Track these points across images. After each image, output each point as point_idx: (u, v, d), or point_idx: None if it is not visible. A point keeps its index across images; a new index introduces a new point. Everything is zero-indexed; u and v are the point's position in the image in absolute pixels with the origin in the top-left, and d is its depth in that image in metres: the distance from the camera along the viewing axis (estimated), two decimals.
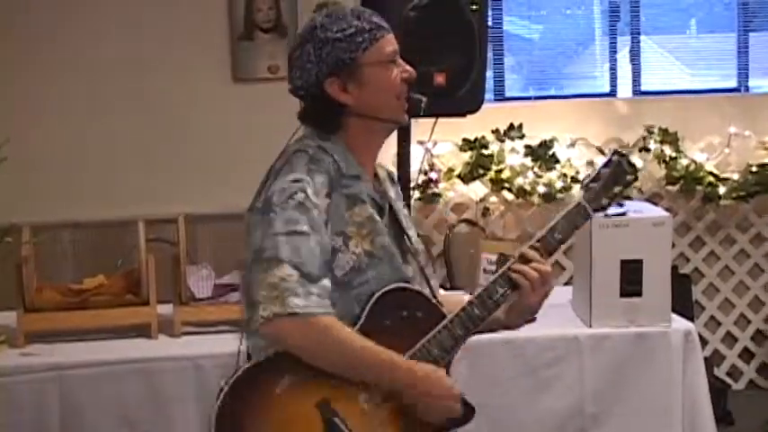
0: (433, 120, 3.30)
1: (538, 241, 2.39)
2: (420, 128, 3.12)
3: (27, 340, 3.36)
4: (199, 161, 5.29)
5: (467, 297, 2.38)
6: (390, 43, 2.33)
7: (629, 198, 2.52)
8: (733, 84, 6.04)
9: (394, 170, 2.64)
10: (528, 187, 5.47)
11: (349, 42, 2.28)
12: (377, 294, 2.28)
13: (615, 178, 2.45)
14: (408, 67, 2.35)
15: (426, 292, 2.38)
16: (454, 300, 2.45)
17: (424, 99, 2.38)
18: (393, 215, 2.42)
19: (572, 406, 3.35)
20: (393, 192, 2.49)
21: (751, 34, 6.01)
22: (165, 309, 3.47)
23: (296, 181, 2.23)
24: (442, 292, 2.58)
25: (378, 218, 2.33)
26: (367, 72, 2.30)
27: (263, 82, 5.28)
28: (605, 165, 2.46)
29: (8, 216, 3.51)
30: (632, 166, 2.47)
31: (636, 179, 2.48)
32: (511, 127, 5.53)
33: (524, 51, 6.17)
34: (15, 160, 3.64)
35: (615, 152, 2.48)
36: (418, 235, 2.51)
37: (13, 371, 3.19)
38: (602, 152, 5.50)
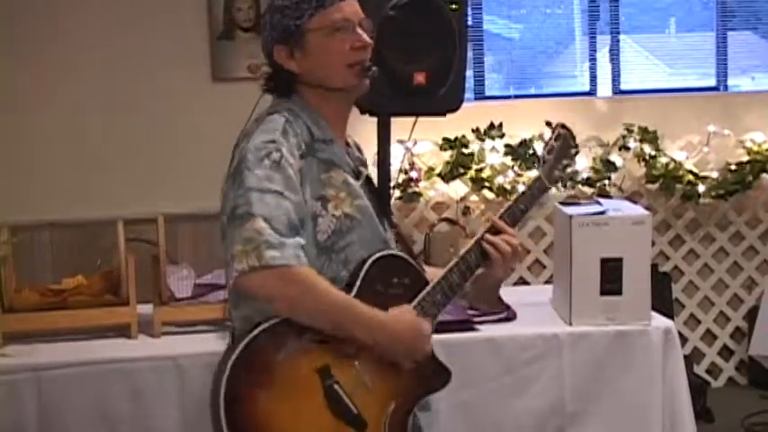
0: (413, 119, 3.31)
1: (505, 212, 2.50)
2: (400, 127, 3.11)
3: (5, 341, 3.33)
4: (178, 160, 5.27)
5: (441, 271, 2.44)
6: (340, 11, 2.32)
7: (574, 179, 2.68)
8: (712, 83, 6.07)
9: (374, 170, 2.67)
10: (508, 186, 5.48)
11: (294, 9, 2.30)
12: (370, 260, 2.32)
13: (564, 152, 2.62)
14: (364, 37, 2.34)
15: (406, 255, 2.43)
16: (432, 272, 2.51)
17: (375, 68, 2.37)
18: (369, 181, 2.45)
19: (551, 404, 3.35)
20: (364, 161, 2.53)
21: (729, 33, 6.04)
22: (145, 309, 3.45)
23: (271, 141, 2.25)
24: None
25: (353, 181, 2.35)
26: (311, 39, 2.31)
27: (243, 81, 5.28)
28: (556, 138, 2.62)
29: None
30: (574, 138, 2.66)
31: (578, 152, 2.67)
32: (491, 126, 5.53)
33: (504, 50, 6.18)
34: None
35: (560, 125, 2.65)
36: (393, 226, 2.53)
37: None
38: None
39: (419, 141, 5.33)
